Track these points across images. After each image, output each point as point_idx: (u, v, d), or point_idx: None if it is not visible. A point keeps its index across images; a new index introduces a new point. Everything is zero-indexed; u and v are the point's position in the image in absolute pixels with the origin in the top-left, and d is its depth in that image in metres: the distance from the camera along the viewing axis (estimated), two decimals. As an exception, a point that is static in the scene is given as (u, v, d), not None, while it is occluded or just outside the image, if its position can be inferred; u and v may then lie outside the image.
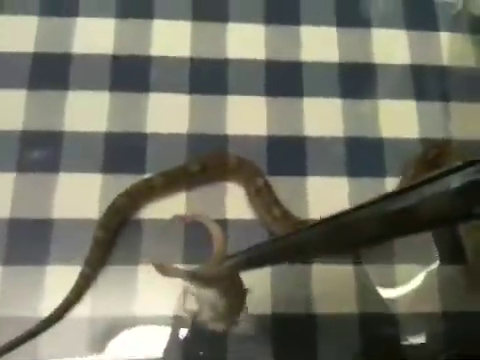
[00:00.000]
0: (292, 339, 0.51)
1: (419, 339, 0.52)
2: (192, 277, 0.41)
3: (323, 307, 0.52)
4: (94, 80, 0.59)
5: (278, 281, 0.52)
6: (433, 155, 0.57)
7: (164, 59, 0.61)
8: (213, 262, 0.42)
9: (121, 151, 0.57)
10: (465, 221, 0.21)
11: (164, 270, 0.44)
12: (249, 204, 0.55)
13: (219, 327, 0.44)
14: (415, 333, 0.52)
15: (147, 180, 0.54)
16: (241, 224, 0.54)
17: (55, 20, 0.61)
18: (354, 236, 0.28)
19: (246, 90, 0.61)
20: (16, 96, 0.58)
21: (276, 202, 0.53)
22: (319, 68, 0.62)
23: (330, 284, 0.53)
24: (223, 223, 0.54)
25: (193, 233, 0.53)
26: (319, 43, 0.64)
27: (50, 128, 0.57)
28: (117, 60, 0.61)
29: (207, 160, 0.55)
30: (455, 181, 0.21)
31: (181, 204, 0.55)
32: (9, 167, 0.55)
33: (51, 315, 0.49)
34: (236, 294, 0.42)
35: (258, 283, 0.52)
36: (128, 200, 0.53)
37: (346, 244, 0.30)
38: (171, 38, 0.63)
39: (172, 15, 0.63)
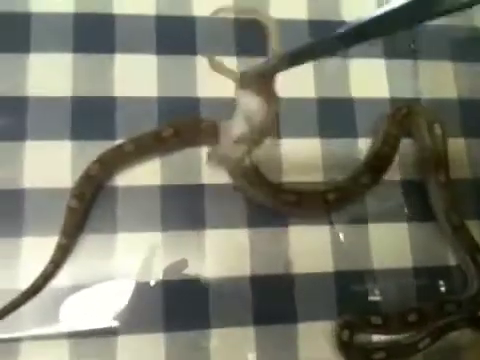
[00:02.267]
0: (271, 299, 0.52)
1: (391, 294, 0.54)
2: (242, 76, 0.40)
3: (300, 267, 0.53)
4: (56, 40, 0.56)
5: (257, 244, 0.53)
6: (402, 115, 0.58)
7: (128, 17, 0.58)
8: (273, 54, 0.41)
9: (89, 116, 0.55)
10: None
11: (217, 67, 0.43)
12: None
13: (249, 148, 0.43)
14: (387, 288, 0.54)
15: (119, 147, 0.53)
16: (218, 189, 0.54)
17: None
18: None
19: (215, 50, 0.59)
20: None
21: (252, 166, 0.53)
22: (287, 25, 0.61)
23: (306, 245, 0.54)
24: (199, 188, 0.54)
25: (167, 199, 0.53)
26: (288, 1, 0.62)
27: (13, 93, 0.54)
28: (79, 18, 0.57)
29: (180, 125, 0.54)
30: None
31: (156, 169, 0.54)
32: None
33: (31, 287, 0.49)
34: (271, 105, 0.41)
35: (237, 245, 0.53)
36: (100, 168, 0.51)
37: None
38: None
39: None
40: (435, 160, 0.57)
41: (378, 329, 0.52)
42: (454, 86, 0.63)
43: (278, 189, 0.54)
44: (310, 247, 0.54)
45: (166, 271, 0.51)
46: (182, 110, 0.56)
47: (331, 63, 0.61)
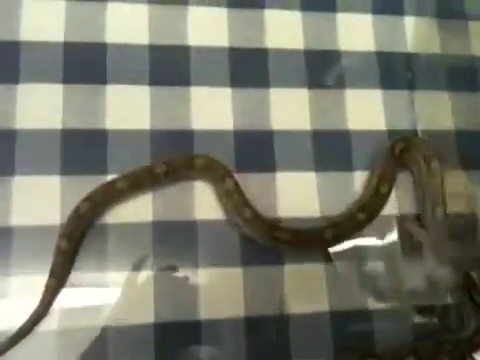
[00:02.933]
0: (265, 340, 0.51)
1: (389, 333, 0.53)
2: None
3: (295, 307, 0.52)
4: (46, 71, 0.55)
5: (251, 284, 0.52)
6: (399, 150, 0.57)
7: (121, 47, 0.57)
8: None
9: (80, 150, 0.53)
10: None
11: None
12: (218, 204, 0.54)
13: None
14: (384, 328, 0.53)
15: (110, 183, 0.51)
16: (210, 225, 0.53)
17: None
18: None
19: (210, 81, 0.58)
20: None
21: (246, 203, 0.52)
22: (285, 56, 0.60)
23: (302, 283, 0.53)
24: (192, 224, 0.53)
25: (160, 236, 0.52)
26: (284, 30, 0.61)
27: (1, 126, 0.52)
28: (70, 48, 0.56)
29: (173, 161, 0.53)
30: None
31: (148, 205, 0.53)
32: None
33: (19, 330, 0.47)
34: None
35: (231, 285, 0.52)
36: (90, 206, 0.50)
37: None
38: (128, 22, 0.58)
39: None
40: (432, 195, 0.56)
41: (373, 371, 0.51)
42: (451, 117, 0.62)
43: (274, 227, 0.53)
44: (306, 286, 0.53)
45: (158, 312, 0.50)
46: (175, 143, 0.55)
47: (327, 95, 0.60)
